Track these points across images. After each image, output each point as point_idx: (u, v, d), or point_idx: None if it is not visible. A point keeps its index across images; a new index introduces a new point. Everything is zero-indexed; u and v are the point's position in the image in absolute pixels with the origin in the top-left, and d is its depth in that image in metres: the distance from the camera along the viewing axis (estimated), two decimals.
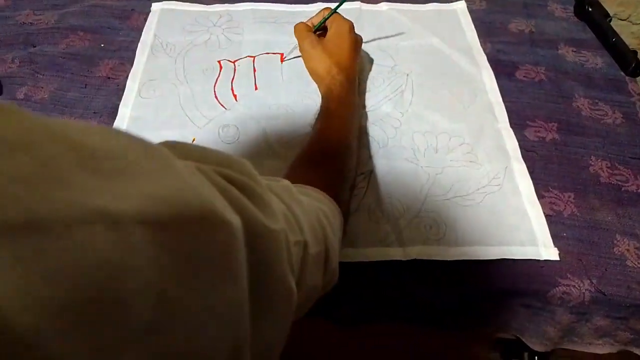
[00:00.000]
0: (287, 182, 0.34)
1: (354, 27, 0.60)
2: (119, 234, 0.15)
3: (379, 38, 0.70)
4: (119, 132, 0.19)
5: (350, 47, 0.58)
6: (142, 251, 0.16)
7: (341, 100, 0.54)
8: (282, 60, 0.66)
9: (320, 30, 0.61)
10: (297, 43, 0.62)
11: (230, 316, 0.21)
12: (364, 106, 0.62)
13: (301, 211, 0.31)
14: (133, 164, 0.18)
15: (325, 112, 0.53)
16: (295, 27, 0.61)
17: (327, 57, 0.57)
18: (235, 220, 0.21)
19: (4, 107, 0.15)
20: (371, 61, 0.67)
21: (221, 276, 0.20)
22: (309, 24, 0.62)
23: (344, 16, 0.61)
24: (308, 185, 0.39)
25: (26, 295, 0.12)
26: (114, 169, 0.17)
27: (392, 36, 0.71)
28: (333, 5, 0.61)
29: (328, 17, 0.60)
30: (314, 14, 0.63)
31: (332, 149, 0.49)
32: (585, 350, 0.53)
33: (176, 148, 0.24)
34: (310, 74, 0.61)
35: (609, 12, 0.75)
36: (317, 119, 0.54)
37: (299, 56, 0.64)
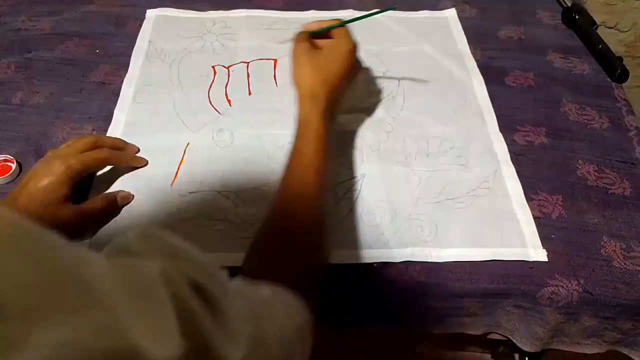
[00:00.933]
0: (266, 290, 0.32)
1: (356, 50, 0.54)
2: None
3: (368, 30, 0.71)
4: (45, 257, 0.18)
5: (343, 69, 0.52)
6: None
7: (319, 139, 0.47)
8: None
9: (323, 38, 0.56)
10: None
11: None
12: (356, 110, 0.63)
13: (275, 331, 0.29)
14: (56, 297, 0.17)
15: (300, 158, 0.46)
16: (295, 34, 0.56)
17: (315, 71, 0.51)
18: (172, 352, 0.20)
19: None
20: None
21: None
22: (316, 26, 0.56)
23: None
24: (278, 278, 0.35)
25: None
26: (33, 306, 0.16)
27: (379, 21, 0.72)
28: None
29: (334, 27, 0.55)
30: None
31: (306, 234, 0.42)
32: (574, 350, 0.54)
33: (149, 241, 0.23)
34: (293, 83, 0.53)
35: (596, 20, 0.77)
36: (288, 163, 0.46)
37: None
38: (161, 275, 0.21)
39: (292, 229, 0.41)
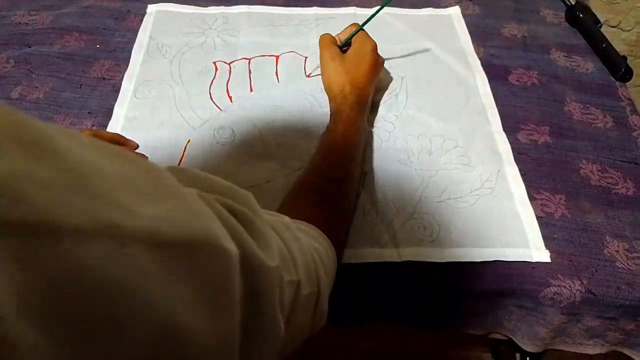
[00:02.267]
0: (287, 218, 0.34)
1: (376, 48, 0.60)
2: (126, 252, 0.15)
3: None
4: (125, 156, 0.19)
5: (368, 67, 0.57)
6: (146, 271, 0.16)
7: (349, 123, 0.52)
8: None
9: (346, 46, 0.61)
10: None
11: (222, 345, 0.21)
12: None
13: (298, 250, 0.31)
14: (140, 185, 0.18)
15: (331, 134, 0.52)
16: (320, 36, 0.61)
17: (343, 73, 0.56)
18: (233, 249, 0.21)
19: (38, 124, 0.15)
20: None
21: (217, 303, 0.20)
22: (336, 38, 0.61)
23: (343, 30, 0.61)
24: (306, 219, 0.38)
25: (20, 301, 0.12)
26: (125, 187, 0.17)
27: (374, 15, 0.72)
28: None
29: (355, 33, 0.60)
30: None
31: (334, 186, 0.47)
32: (576, 351, 0.53)
33: (180, 173, 0.24)
34: (324, 87, 0.60)
35: (599, 18, 0.76)
36: (321, 140, 0.53)
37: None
38: (199, 197, 0.23)
39: (330, 188, 0.47)
